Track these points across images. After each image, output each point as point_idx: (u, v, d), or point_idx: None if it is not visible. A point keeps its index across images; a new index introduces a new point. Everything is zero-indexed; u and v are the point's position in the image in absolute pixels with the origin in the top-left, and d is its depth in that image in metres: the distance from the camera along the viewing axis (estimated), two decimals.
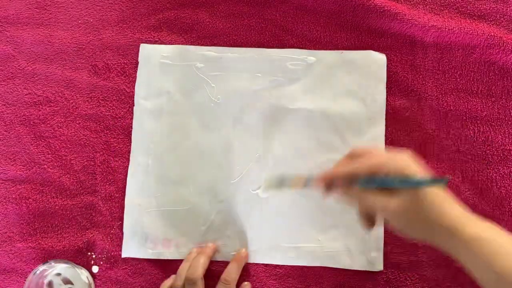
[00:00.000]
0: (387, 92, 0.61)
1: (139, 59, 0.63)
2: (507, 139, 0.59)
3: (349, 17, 0.63)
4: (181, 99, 0.62)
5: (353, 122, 0.60)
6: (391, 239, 0.58)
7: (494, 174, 0.58)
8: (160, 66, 0.63)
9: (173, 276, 0.57)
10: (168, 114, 0.62)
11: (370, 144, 0.59)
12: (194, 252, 0.58)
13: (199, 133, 0.61)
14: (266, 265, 0.58)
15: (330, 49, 0.62)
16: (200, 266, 0.56)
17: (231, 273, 0.56)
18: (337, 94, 0.61)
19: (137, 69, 0.63)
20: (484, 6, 0.62)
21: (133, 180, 0.61)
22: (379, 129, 0.60)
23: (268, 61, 0.62)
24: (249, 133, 0.61)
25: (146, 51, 0.63)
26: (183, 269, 0.56)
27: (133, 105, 0.62)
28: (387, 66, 0.61)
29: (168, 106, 0.62)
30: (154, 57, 0.63)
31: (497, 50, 0.60)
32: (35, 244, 0.60)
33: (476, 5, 0.62)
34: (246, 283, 0.58)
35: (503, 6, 0.62)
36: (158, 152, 0.61)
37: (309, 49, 0.62)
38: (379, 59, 0.61)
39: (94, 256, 0.60)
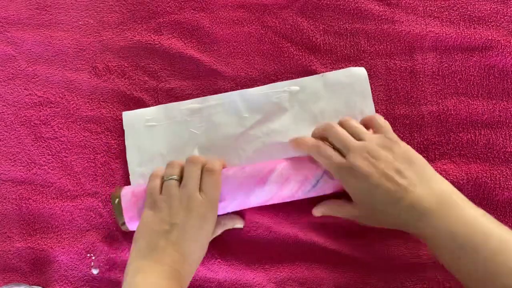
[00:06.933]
0: (386, 101, 0.61)
1: (124, 127, 0.62)
2: (507, 141, 0.59)
3: (347, 24, 0.63)
4: (175, 157, 0.60)
5: None
6: (391, 240, 0.58)
7: (498, 175, 0.58)
8: (147, 130, 0.61)
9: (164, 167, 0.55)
10: None
11: None
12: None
13: None
14: (266, 268, 0.58)
15: (329, 57, 0.62)
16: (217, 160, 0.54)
17: (215, 162, 0.53)
18: (326, 117, 0.60)
19: (137, 72, 0.63)
20: (484, 7, 0.62)
21: None
22: None
23: (252, 100, 0.61)
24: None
25: (129, 118, 0.62)
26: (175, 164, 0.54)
27: (134, 107, 0.63)
28: (386, 74, 0.61)
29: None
30: (138, 123, 0.61)
31: (496, 53, 0.60)
32: (34, 244, 0.60)
33: (476, 6, 0.62)
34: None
35: (503, 6, 0.62)
36: None
37: (308, 56, 0.62)
38: (359, 74, 0.61)
39: (93, 258, 0.60)
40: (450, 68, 0.61)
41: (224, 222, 0.57)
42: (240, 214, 0.59)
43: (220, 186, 0.52)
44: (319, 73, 0.62)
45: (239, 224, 0.58)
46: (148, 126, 0.61)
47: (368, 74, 0.61)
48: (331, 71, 0.62)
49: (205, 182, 0.52)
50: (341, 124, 0.54)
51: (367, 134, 0.53)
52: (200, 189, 0.51)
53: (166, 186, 0.52)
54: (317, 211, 0.56)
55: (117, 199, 0.55)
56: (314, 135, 0.56)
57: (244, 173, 0.54)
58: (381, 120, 0.54)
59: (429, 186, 0.48)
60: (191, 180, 0.51)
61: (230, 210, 0.55)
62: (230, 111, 0.61)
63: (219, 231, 0.56)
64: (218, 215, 0.54)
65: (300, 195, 0.54)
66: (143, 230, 0.50)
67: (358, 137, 0.52)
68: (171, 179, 0.52)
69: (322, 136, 0.54)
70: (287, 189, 0.54)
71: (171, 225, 0.49)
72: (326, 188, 0.54)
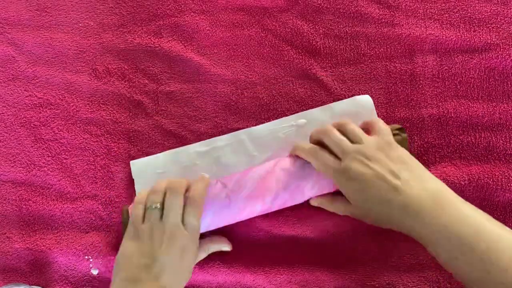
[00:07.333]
0: (387, 104, 0.61)
1: (133, 176, 0.61)
2: (508, 144, 0.59)
3: (347, 27, 0.63)
4: None
5: None
6: (391, 241, 0.58)
7: (500, 176, 0.58)
8: (157, 177, 0.60)
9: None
10: None
11: None
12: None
13: None
14: (266, 271, 0.58)
15: (329, 61, 0.62)
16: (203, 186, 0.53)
17: (198, 187, 0.53)
18: None
19: (136, 75, 0.64)
20: (485, 9, 0.62)
21: None
22: None
23: (260, 138, 0.60)
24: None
25: (138, 167, 0.61)
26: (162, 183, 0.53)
27: (134, 110, 0.63)
28: (386, 77, 0.61)
29: None
30: (147, 171, 0.60)
31: (496, 55, 0.60)
32: (33, 245, 0.60)
33: (476, 7, 0.62)
34: None
35: (503, 8, 0.62)
36: None
37: (308, 60, 0.63)
38: (364, 101, 0.60)
39: (91, 260, 0.59)
40: (450, 70, 0.61)
41: (208, 247, 0.56)
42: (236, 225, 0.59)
43: (201, 213, 0.52)
44: (319, 77, 0.62)
45: (225, 247, 0.57)
46: (157, 173, 0.60)
47: (368, 77, 0.61)
48: (331, 75, 0.62)
49: (187, 212, 0.51)
50: (339, 127, 0.54)
51: (364, 136, 0.53)
52: (183, 219, 0.51)
53: (148, 215, 0.51)
54: (315, 202, 0.56)
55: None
56: (311, 139, 0.56)
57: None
58: (381, 123, 0.54)
59: (423, 185, 0.49)
60: (172, 212, 0.51)
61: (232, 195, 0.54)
62: (239, 151, 0.60)
63: (202, 256, 0.56)
64: (204, 239, 0.55)
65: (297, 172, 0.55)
66: (124, 262, 0.50)
67: (355, 140, 0.52)
68: (154, 208, 0.51)
69: (319, 140, 0.55)
70: (284, 162, 0.55)
71: (152, 258, 0.49)
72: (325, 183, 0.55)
